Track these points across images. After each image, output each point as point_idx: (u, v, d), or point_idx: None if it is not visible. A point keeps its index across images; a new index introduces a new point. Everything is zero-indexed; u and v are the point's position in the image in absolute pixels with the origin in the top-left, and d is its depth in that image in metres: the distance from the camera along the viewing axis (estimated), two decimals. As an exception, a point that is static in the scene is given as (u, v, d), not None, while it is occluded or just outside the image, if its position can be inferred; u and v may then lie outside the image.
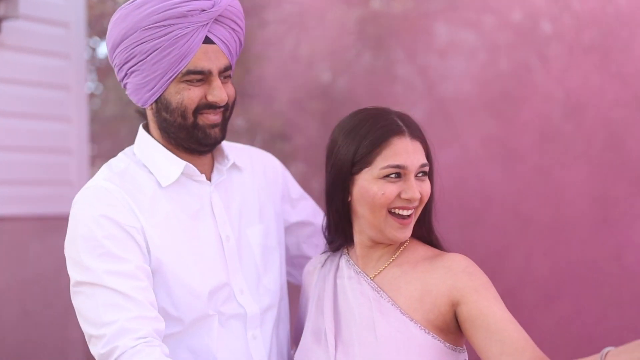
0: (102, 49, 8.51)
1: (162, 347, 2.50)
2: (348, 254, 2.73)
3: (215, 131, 2.71)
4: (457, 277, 2.52)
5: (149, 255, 2.63)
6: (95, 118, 7.62)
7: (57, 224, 5.95)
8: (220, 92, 2.65)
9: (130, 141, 7.94)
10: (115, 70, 2.76)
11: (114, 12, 7.68)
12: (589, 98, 5.49)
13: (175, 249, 2.66)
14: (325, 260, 2.80)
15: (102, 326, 2.51)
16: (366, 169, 2.57)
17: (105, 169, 2.76)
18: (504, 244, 5.46)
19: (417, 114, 6.77)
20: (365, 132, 2.58)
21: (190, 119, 2.66)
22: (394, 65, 6.81)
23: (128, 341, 2.47)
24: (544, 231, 5.51)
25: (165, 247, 2.65)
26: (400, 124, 2.61)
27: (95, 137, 7.55)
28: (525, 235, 5.48)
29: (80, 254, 2.59)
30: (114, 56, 2.71)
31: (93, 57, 8.63)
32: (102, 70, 8.38)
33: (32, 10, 5.88)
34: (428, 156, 2.65)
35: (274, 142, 7.95)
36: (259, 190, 2.90)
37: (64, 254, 5.93)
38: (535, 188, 5.82)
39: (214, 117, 2.69)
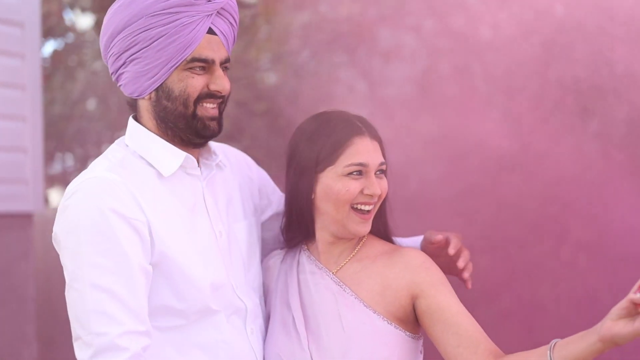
0: (47, 49, 8.62)
1: None
2: (308, 250, 2.83)
3: (214, 124, 2.69)
4: (415, 272, 2.67)
5: (152, 249, 2.60)
6: (39, 117, 7.73)
7: (12, 222, 5.98)
8: (223, 82, 2.68)
9: (78, 140, 8.03)
10: (111, 59, 2.71)
11: (60, 11, 7.69)
12: (529, 103, 5.71)
13: (177, 243, 2.65)
14: (284, 256, 2.90)
15: (91, 333, 2.50)
16: (330, 168, 2.68)
17: (102, 160, 2.71)
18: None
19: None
20: (328, 133, 2.70)
21: (191, 108, 2.67)
22: (337, 68, 6.96)
23: None
24: (485, 229, 5.70)
25: (168, 240, 2.63)
26: (360, 125, 2.73)
27: (40, 136, 7.64)
28: (467, 234, 5.66)
29: (82, 247, 2.54)
30: (112, 45, 2.69)
31: (37, 57, 8.73)
32: (47, 70, 8.46)
33: (-13, 10, 5.95)
34: (384, 156, 2.77)
35: (221, 142, 8.12)
36: (239, 187, 2.93)
37: (18, 251, 6.01)
38: (476, 188, 6.02)
39: (212, 111, 2.69)
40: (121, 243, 2.53)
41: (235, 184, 2.90)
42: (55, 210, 8.44)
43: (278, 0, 6.47)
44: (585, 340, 2.37)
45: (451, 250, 2.86)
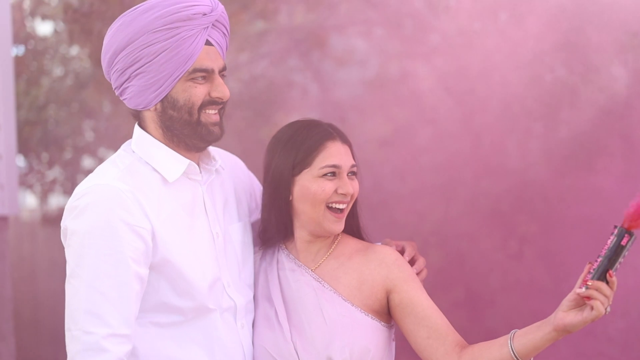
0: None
1: None
2: (287, 248, 3.03)
3: (217, 129, 2.86)
4: (389, 269, 2.92)
5: (154, 254, 2.78)
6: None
7: (-11, 225, 6.17)
8: (223, 89, 2.84)
9: (43, 145, 8.14)
10: (115, 75, 2.87)
11: (22, 19, 7.77)
12: (478, 105, 5.94)
13: (178, 246, 2.82)
14: (263, 254, 3.10)
15: (80, 330, 2.70)
16: (306, 170, 2.90)
17: (112, 167, 2.87)
18: (400, 237, 5.83)
19: (313, 117, 7.06)
20: (303, 139, 2.92)
21: (196, 116, 2.82)
22: (291, 72, 7.13)
23: None
24: (437, 225, 5.93)
25: (170, 244, 2.80)
26: (332, 131, 2.97)
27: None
28: (420, 230, 5.88)
29: (85, 249, 2.72)
30: (115, 61, 2.84)
31: None
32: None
33: (-41, 19, 6.04)
34: (354, 159, 3.01)
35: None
36: (235, 190, 3.09)
37: None
38: (428, 186, 6.19)
39: (214, 116, 2.84)
40: (124, 250, 2.72)
41: (231, 186, 3.07)
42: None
43: (240, 11, 6.67)
44: (541, 330, 2.66)
45: (406, 258, 3.02)
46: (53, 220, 8.49)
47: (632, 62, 5.32)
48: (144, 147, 2.90)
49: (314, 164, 2.92)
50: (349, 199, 2.95)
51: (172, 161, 2.88)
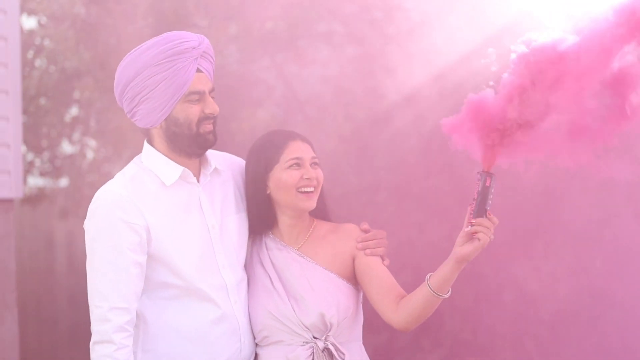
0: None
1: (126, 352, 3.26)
2: (272, 234, 3.55)
3: (211, 136, 3.36)
4: (354, 242, 3.47)
5: (149, 245, 3.32)
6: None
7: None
8: (213, 106, 3.33)
9: (32, 132, 8.38)
10: (126, 102, 3.36)
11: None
12: (433, 104, 6.41)
13: (170, 237, 3.35)
14: (253, 240, 3.61)
15: (93, 304, 3.28)
16: (276, 166, 3.43)
17: (119, 176, 3.42)
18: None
19: (278, 114, 7.31)
20: (271, 143, 3.46)
21: (194, 129, 3.33)
22: (260, 71, 7.40)
23: (104, 335, 3.24)
24: (391, 216, 6.45)
25: (163, 236, 3.34)
26: (292, 133, 3.50)
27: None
28: (377, 219, 6.28)
29: (95, 243, 3.31)
30: (127, 90, 3.33)
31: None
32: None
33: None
34: (314, 153, 3.51)
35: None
36: (235, 188, 3.55)
37: (1, 231, 6.46)
38: (383, 181, 6.70)
39: (209, 127, 3.33)
40: (122, 243, 3.30)
41: (231, 185, 3.57)
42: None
43: (222, 20, 6.98)
44: (446, 265, 3.28)
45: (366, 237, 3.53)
46: (30, 200, 8.85)
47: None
48: (149, 158, 3.43)
49: (281, 159, 3.46)
50: (314, 182, 3.48)
51: (169, 169, 3.40)
